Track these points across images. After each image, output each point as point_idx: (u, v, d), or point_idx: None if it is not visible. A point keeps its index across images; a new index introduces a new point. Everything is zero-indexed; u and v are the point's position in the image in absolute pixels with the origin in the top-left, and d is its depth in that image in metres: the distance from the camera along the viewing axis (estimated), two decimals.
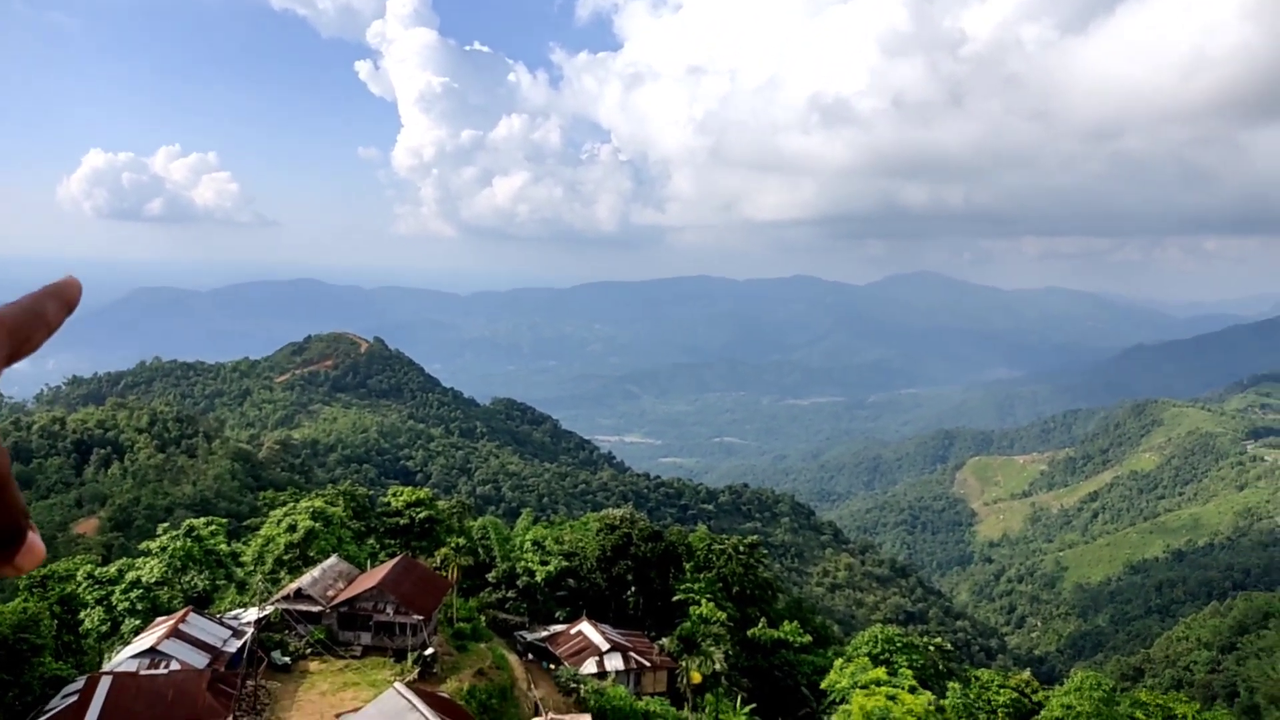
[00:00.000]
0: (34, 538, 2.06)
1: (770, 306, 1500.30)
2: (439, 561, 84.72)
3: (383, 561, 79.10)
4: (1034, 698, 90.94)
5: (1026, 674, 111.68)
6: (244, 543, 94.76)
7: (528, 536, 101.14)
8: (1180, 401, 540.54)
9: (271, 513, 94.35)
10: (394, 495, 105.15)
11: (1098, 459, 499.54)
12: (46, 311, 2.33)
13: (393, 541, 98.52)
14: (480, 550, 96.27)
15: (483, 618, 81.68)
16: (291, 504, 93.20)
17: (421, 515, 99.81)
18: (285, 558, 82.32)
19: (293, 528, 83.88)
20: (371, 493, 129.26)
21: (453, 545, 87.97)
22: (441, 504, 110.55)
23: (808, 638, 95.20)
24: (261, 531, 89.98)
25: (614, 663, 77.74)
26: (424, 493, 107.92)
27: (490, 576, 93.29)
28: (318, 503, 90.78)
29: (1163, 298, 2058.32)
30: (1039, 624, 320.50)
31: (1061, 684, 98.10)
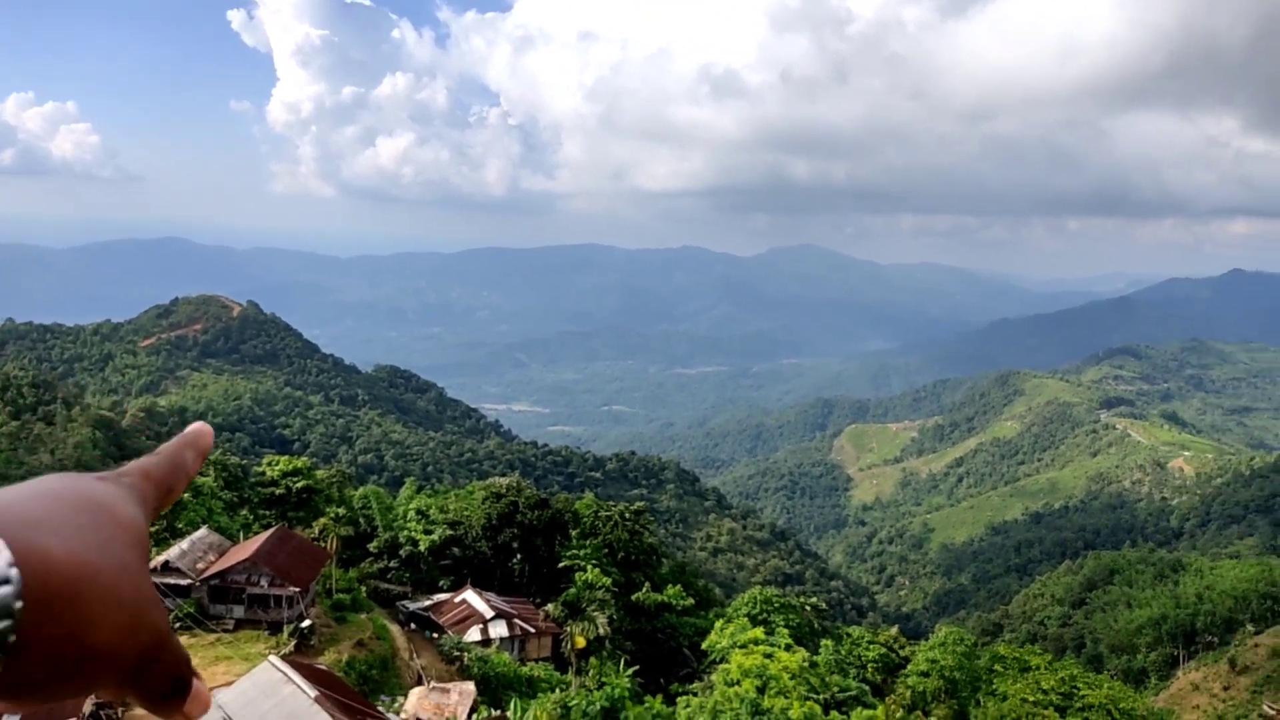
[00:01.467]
0: (200, 686, 2.17)
1: (659, 276, 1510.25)
2: (317, 532, 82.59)
3: (257, 533, 76.56)
4: (901, 652, 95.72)
5: (894, 630, 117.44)
6: None
7: (411, 505, 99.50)
8: (1040, 373, 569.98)
9: None
10: (269, 465, 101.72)
11: (964, 426, 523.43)
12: (186, 462, 2.48)
13: (268, 512, 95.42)
14: (361, 520, 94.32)
15: (363, 588, 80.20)
16: None
17: (298, 485, 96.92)
18: (151, 529, 78.67)
19: None
20: (245, 462, 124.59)
21: (332, 515, 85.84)
22: (320, 473, 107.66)
23: (690, 601, 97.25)
24: None
25: (498, 630, 77.74)
26: (301, 462, 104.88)
27: (372, 546, 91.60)
28: None
29: (1028, 274, 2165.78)
30: (907, 583, 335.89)
31: (927, 639, 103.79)
